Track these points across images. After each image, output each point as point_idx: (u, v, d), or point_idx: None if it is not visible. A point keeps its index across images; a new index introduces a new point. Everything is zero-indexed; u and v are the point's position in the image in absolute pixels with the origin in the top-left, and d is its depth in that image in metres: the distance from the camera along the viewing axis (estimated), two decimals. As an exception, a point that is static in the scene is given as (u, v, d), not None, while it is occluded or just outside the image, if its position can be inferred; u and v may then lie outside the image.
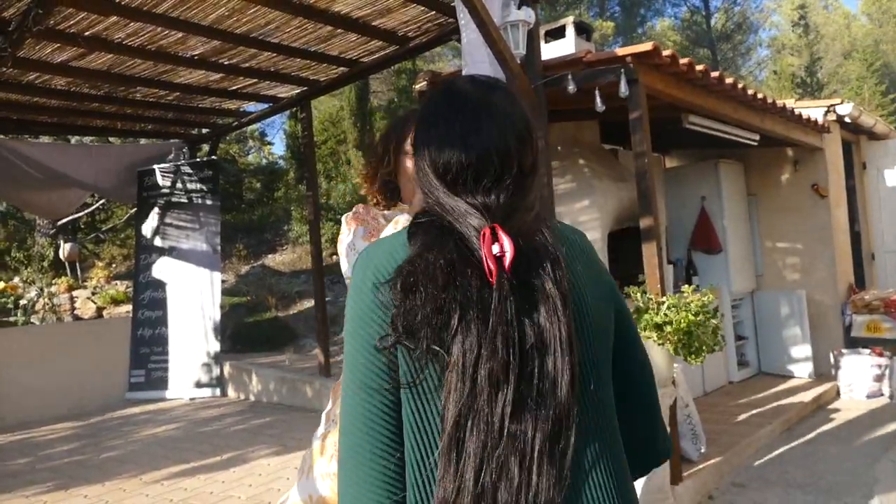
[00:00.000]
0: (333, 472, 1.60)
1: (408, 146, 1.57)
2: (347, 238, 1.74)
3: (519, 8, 3.84)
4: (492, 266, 0.85)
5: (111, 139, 10.43)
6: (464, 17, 3.94)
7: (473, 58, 3.93)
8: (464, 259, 0.87)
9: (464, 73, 4.01)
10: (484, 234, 0.86)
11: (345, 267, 1.76)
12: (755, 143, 5.79)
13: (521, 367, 0.83)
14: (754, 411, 5.31)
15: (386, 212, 1.79)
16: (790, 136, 5.96)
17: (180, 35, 4.96)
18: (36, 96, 6.04)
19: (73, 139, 10.70)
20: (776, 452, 4.59)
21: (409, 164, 1.63)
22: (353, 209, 1.79)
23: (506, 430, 0.81)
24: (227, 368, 7.30)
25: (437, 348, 0.83)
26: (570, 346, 0.85)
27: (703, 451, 4.19)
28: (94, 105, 6.44)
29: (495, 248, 0.85)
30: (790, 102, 6.06)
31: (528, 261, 0.88)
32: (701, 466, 4.01)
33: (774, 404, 5.51)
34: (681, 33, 26.51)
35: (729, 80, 4.66)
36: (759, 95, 5.10)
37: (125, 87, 6.01)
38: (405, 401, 0.88)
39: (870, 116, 7.12)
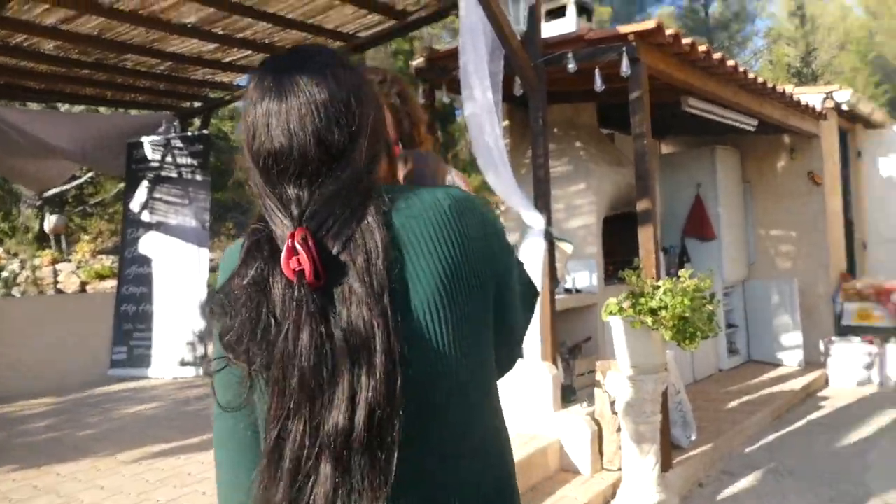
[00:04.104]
0: None
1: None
2: None
3: (520, -18, 3.74)
4: (293, 280, 0.79)
5: (101, 109, 10.23)
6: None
7: (474, 35, 3.82)
8: (275, 271, 0.82)
9: (460, 49, 3.91)
10: (286, 245, 0.80)
11: None
12: (752, 129, 5.73)
13: (334, 372, 0.78)
14: (744, 399, 5.30)
15: None
16: (787, 123, 5.91)
17: (173, 0, 4.82)
18: (24, 59, 5.86)
19: (63, 108, 10.50)
20: (766, 440, 4.58)
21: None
22: None
23: (322, 432, 0.78)
24: (211, 348, 7.19)
25: (251, 366, 0.81)
26: (387, 344, 0.78)
27: (693, 438, 4.17)
28: (83, 72, 6.27)
29: (293, 264, 0.79)
30: (789, 88, 6.00)
31: (336, 264, 0.81)
32: (691, 454, 3.98)
33: (764, 392, 5.50)
34: (678, 21, 26.37)
35: (730, 63, 4.59)
36: (760, 79, 5.04)
37: (115, 55, 5.85)
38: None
39: (867, 104, 7.07)
